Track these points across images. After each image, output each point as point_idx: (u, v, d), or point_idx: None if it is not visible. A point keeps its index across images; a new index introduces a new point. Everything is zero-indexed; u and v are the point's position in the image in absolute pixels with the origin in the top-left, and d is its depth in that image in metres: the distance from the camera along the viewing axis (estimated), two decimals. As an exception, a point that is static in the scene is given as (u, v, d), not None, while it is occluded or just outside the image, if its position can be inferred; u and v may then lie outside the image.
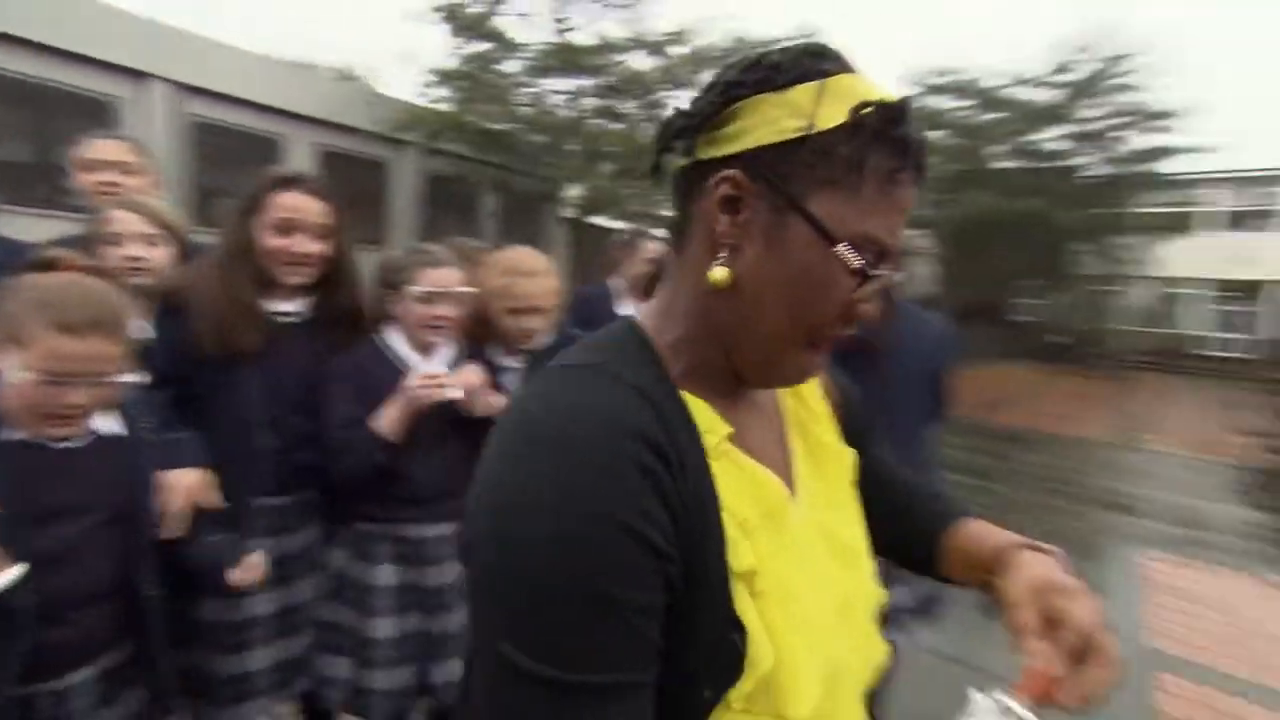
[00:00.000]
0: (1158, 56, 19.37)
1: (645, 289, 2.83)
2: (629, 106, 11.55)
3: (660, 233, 3.50)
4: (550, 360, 0.61)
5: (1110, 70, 19.86)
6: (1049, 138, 22.64)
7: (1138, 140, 21.36)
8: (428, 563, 1.69)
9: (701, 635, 0.53)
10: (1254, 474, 7.34)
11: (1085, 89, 20.10)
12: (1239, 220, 24.16)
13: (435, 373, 1.64)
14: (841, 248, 0.55)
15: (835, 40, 0.62)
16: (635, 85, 11.40)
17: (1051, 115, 21.05)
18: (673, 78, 11.41)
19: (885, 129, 0.55)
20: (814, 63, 0.57)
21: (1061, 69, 20.15)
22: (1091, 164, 22.71)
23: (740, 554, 0.56)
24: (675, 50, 11.22)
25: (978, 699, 0.62)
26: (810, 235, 0.55)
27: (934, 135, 24.44)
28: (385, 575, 1.68)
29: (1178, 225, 22.69)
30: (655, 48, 11.25)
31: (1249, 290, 24.16)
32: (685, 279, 0.62)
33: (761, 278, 0.57)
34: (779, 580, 0.58)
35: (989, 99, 20.85)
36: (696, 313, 0.61)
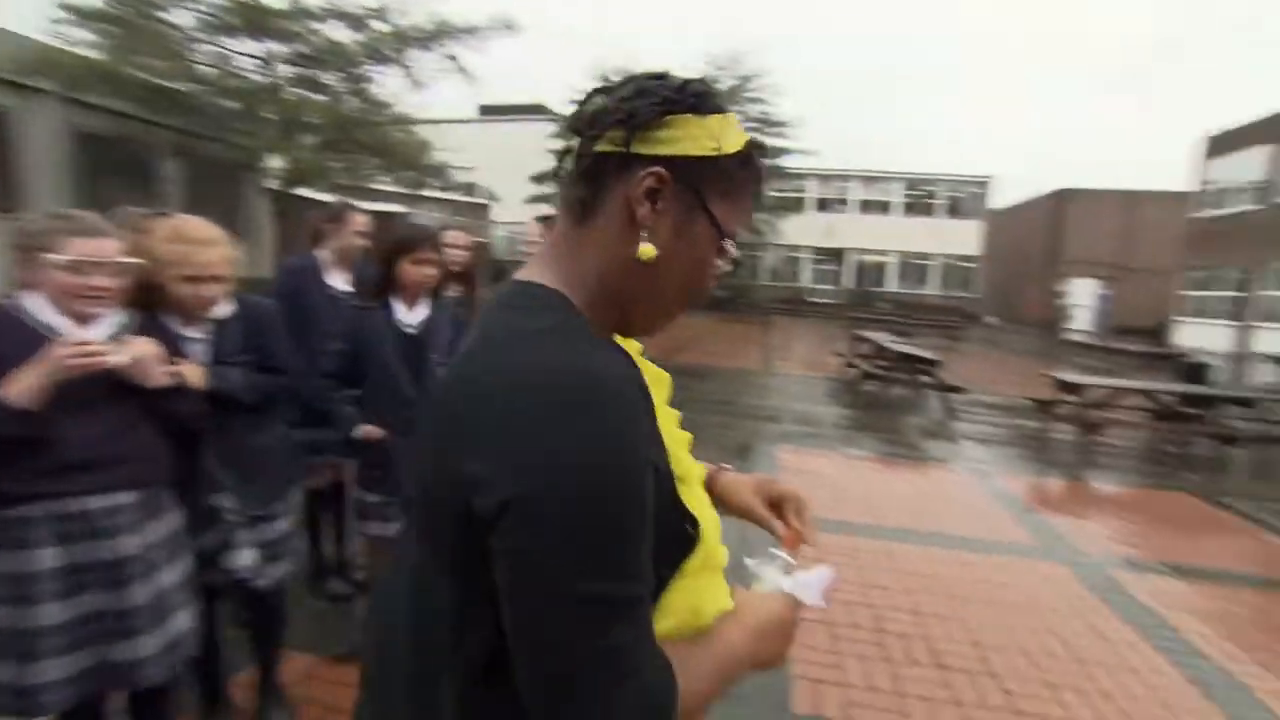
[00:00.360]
0: (776, 78, 22.78)
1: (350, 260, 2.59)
2: (331, 78, 10.29)
3: (369, 205, 3.21)
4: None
5: (745, 86, 23.03)
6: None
7: (766, 142, 24.96)
8: (99, 536, 1.44)
9: (663, 530, 0.59)
10: (839, 384, 9.30)
11: (729, 99, 22.92)
12: (825, 204, 29.66)
13: (87, 340, 1.37)
14: (727, 241, 0.67)
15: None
16: (337, 57, 10.14)
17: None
18: (376, 53, 10.38)
19: (757, 161, 0.69)
20: (719, 100, 0.66)
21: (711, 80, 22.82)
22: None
23: (676, 459, 0.65)
24: (378, 26, 10.17)
25: (752, 564, 0.78)
26: (709, 230, 0.66)
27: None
28: (46, 559, 1.40)
29: (792, 206, 27.20)
30: (355, 21, 10.10)
31: (835, 255, 29.98)
32: (595, 250, 0.66)
33: (670, 255, 0.64)
34: (686, 470, 0.68)
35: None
36: (609, 277, 0.66)
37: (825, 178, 29.41)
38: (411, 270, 2.11)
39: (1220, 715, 2.39)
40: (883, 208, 29.61)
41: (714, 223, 0.66)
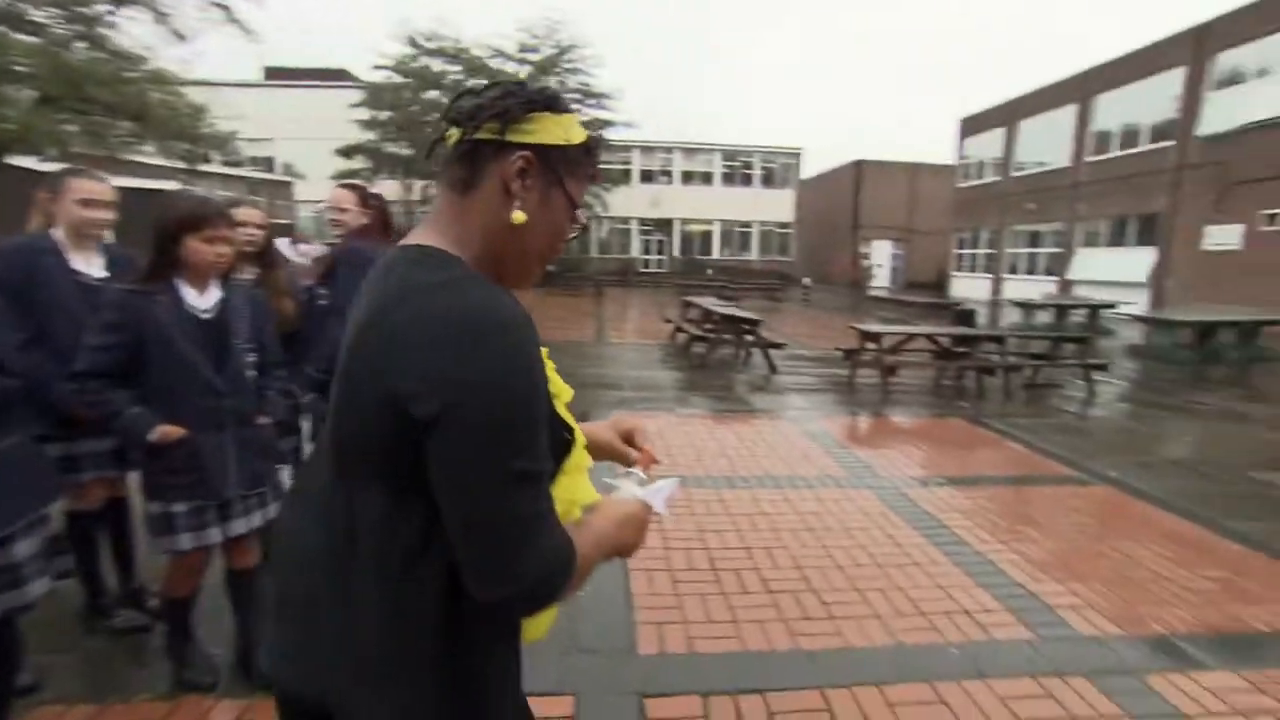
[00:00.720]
0: (596, 50, 22.72)
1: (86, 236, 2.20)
2: (42, 15, 8.45)
3: (131, 181, 2.75)
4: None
5: (564, 56, 22.70)
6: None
7: (586, 113, 25.01)
8: None
9: (548, 435, 0.78)
10: (671, 349, 9.72)
11: (547, 67, 22.43)
12: (649, 176, 30.48)
13: None
14: (579, 211, 0.88)
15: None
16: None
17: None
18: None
19: (595, 150, 0.89)
20: (566, 103, 0.86)
21: (527, 49, 22.17)
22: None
23: (551, 380, 0.84)
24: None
25: (610, 479, 0.98)
26: (564, 202, 0.85)
27: (430, 95, 24.36)
28: None
29: (619, 179, 27.58)
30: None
31: (662, 226, 31.01)
32: (476, 218, 0.82)
33: (535, 220, 0.83)
34: (559, 389, 0.89)
35: (473, 66, 21.70)
36: (488, 239, 0.83)
37: (648, 149, 30.17)
38: (202, 249, 1.89)
39: (975, 585, 2.89)
40: (704, 178, 31.06)
41: (568, 196, 0.85)
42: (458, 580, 0.75)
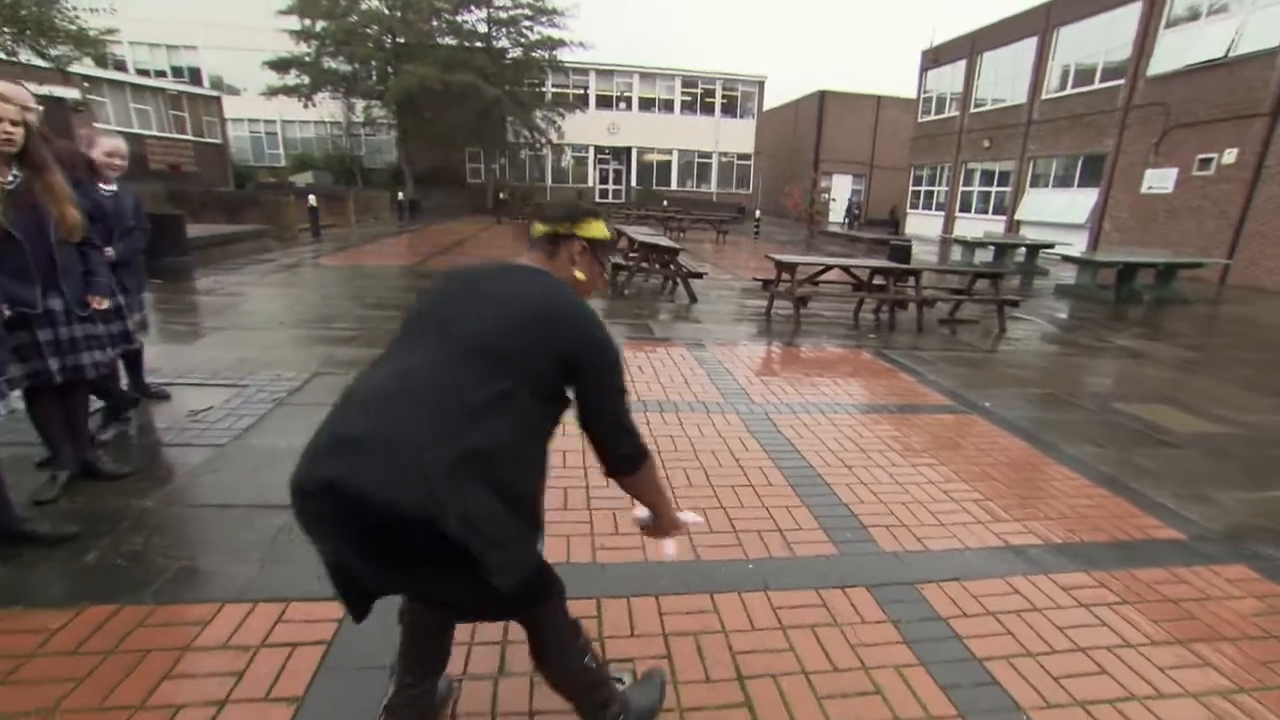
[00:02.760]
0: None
1: None
2: None
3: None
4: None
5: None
6: (473, 19, 23.45)
7: (539, 31, 23.84)
8: None
9: None
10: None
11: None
12: (606, 101, 29.39)
13: None
14: (605, 272, 1.55)
15: None
16: None
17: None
18: None
19: (614, 238, 1.55)
20: (600, 213, 1.53)
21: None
22: (509, 48, 24.56)
23: None
24: None
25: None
26: (599, 267, 1.52)
27: (370, 4, 22.80)
28: None
29: (574, 104, 26.51)
30: None
31: (620, 154, 30.15)
32: (557, 271, 1.44)
33: (587, 276, 1.48)
34: None
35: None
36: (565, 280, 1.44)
37: (605, 73, 28.98)
38: None
39: (800, 505, 2.95)
40: (665, 105, 30.10)
41: (600, 264, 1.52)
42: (545, 460, 1.32)
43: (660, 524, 1.54)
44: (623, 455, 1.35)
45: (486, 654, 1.94)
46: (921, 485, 3.29)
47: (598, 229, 1.48)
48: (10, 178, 2.33)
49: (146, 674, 1.80)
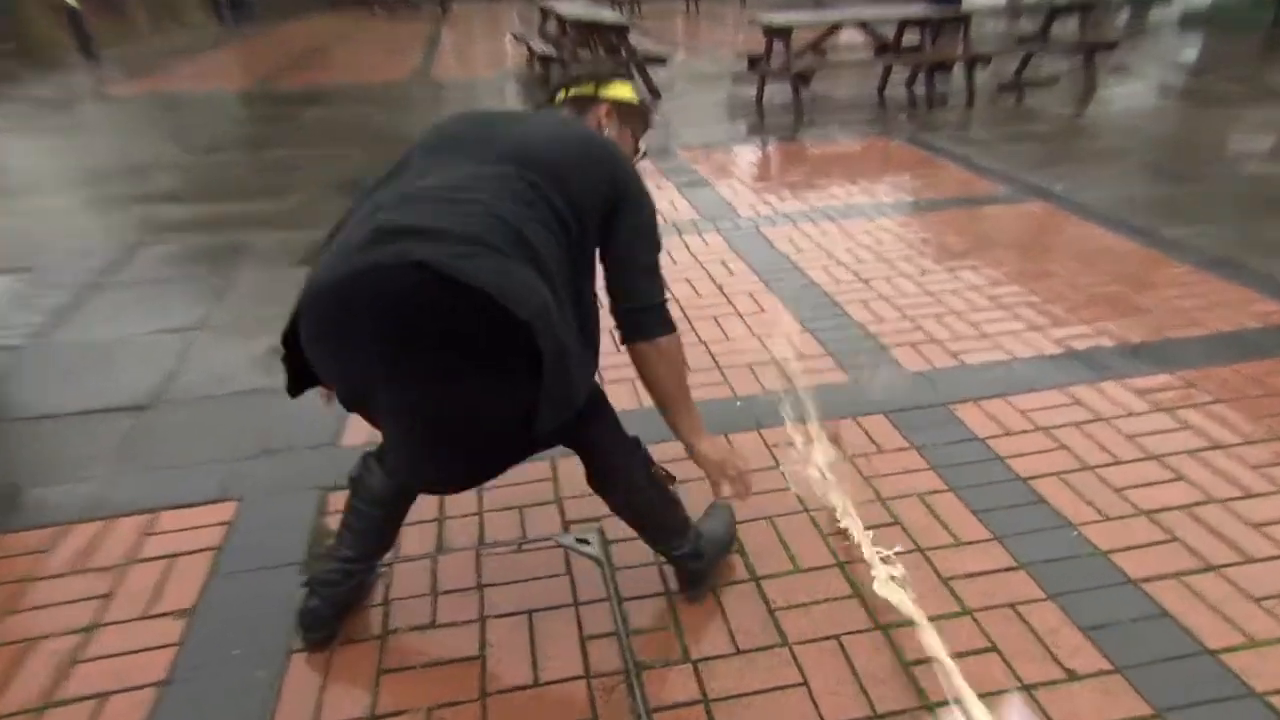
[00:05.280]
0: None
1: None
2: None
3: None
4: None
5: None
6: None
7: None
8: None
9: None
10: (517, 77, 9.60)
11: None
12: None
13: None
14: (640, 142, 1.92)
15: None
16: None
17: None
18: None
19: (648, 108, 1.93)
20: (627, 72, 2.42)
21: None
22: None
23: None
24: None
25: None
26: (631, 137, 1.85)
27: None
28: None
29: None
30: None
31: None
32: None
33: (616, 140, 1.76)
34: None
35: None
36: None
37: None
38: None
39: (801, 331, 3.18)
40: None
41: (633, 135, 1.85)
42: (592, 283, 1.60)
43: (681, 434, 1.66)
44: (655, 305, 1.58)
45: (422, 532, 2.15)
46: (960, 293, 3.46)
47: (625, 90, 1.81)
48: None
49: (-19, 611, 1.97)
